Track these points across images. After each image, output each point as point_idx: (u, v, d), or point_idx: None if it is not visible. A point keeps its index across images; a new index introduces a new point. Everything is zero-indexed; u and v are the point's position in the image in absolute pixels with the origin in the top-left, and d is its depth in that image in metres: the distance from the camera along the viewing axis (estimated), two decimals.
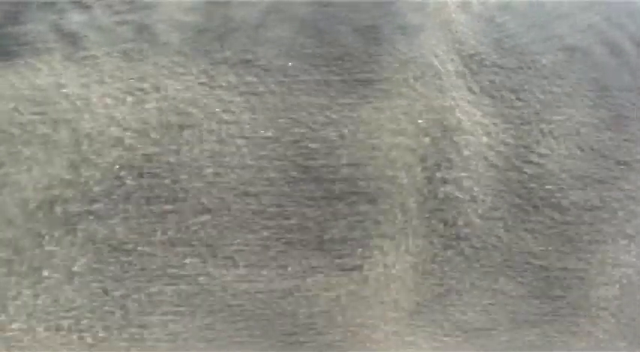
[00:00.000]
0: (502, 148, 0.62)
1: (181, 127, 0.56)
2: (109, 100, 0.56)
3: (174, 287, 0.56)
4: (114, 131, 0.56)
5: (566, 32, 0.66)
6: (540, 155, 0.62)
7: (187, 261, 0.56)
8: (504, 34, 0.65)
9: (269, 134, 0.58)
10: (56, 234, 0.54)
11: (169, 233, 0.56)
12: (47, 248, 0.54)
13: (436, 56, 0.62)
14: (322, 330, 0.59)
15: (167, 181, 0.56)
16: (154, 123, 0.56)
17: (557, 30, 0.66)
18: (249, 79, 0.58)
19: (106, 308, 0.55)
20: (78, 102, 0.56)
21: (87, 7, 0.58)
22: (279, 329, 0.58)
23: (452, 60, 0.63)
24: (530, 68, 0.64)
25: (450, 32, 0.64)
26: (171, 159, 0.56)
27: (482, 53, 0.64)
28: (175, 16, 0.59)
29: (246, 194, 0.57)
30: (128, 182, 0.55)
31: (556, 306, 0.63)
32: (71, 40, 0.57)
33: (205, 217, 0.56)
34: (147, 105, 0.56)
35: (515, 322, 0.62)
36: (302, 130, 0.58)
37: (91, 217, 0.55)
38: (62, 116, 0.55)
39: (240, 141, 0.57)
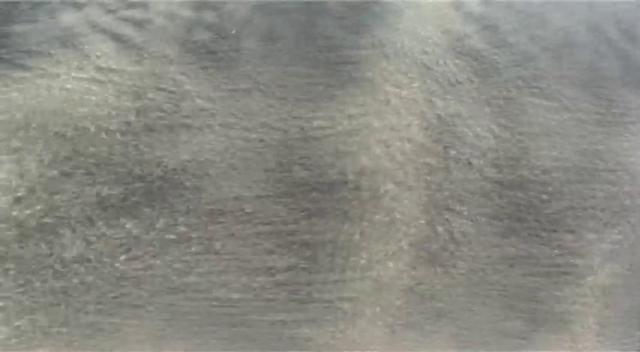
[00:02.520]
0: (497, 149, 0.62)
1: (178, 124, 0.57)
2: (109, 98, 0.57)
3: (160, 291, 0.57)
4: (115, 128, 0.56)
5: (561, 27, 0.66)
6: (534, 154, 0.63)
7: (175, 264, 0.57)
8: (498, 29, 0.65)
9: (257, 127, 0.58)
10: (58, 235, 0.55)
11: (161, 232, 0.57)
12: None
13: (429, 51, 0.62)
14: (314, 333, 0.59)
15: (163, 176, 0.57)
16: (153, 121, 0.57)
17: (551, 25, 0.66)
18: (239, 72, 0.59)
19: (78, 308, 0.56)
20: (77, 101, 0.56)
21: (80, 7, 0.58)
22: (269, 334, 0.59)
23: (445, 55, 0.63)
24: (524, 62, 0.64)
25: (443, 26, 0.64)
26: (167, 158, 0.57)
27: (477, 48, 0.64)
28: (169, 11, 0.59)
29: (238, 192, 0.57)
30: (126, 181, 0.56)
31: (540, 308, 0.63)
32: (66, 39, 0.57)
33: (197, 216, 0.57)
34: (146, 101, 0.57)
35: (500, 323, 0.63)
36: (288, 127, 0.58)
37: (92, 216, 0.56)
38: (62, 116, 0.56)
39: (232, 133, 0.58)
